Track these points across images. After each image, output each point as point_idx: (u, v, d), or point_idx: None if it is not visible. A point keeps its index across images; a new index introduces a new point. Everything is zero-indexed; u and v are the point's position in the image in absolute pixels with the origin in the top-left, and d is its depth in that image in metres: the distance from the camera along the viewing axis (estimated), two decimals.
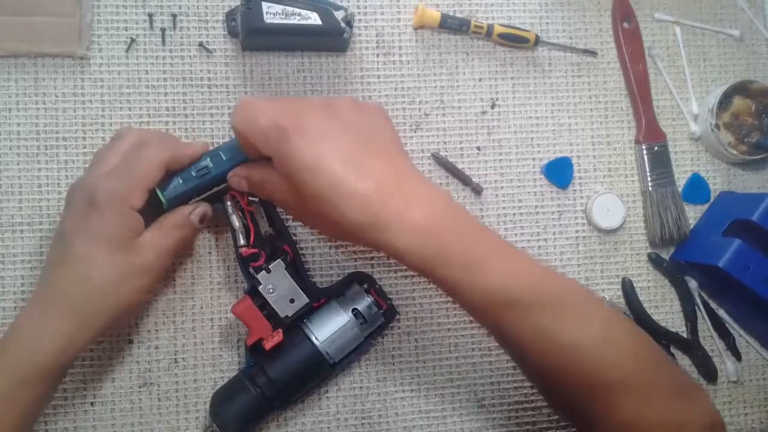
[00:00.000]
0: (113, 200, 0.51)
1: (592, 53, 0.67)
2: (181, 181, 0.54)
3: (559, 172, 0.66)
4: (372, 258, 0.63)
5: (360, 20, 0.64)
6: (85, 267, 0.51)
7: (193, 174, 0.54)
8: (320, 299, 0.58)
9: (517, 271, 0.50)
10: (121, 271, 0.51)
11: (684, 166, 0.69)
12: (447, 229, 0.50)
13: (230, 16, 0.62)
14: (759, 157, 0.67)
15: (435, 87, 0.65)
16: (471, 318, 0.63)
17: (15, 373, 0.49)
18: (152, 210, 0.54)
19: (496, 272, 0.49)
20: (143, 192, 0.52)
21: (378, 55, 0.65)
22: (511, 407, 0.64)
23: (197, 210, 0.55)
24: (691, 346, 0.66)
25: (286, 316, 0.56)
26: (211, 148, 0.57)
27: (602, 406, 0.50)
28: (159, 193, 0.54)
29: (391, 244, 0.49)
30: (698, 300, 0.67)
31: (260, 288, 0.56)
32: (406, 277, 0.64)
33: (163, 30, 0.62)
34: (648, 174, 0.67)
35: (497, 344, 0.63)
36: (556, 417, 0.64)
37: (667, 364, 0.54)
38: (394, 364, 0.63)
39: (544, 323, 0.49)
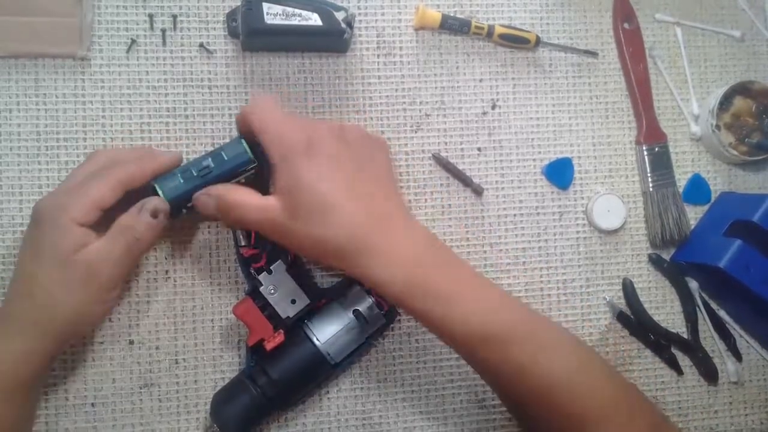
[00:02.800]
0: (54, 215, 0.51)
1: (593, 54, 0.67)
2: (182, 181, 0.54)
3: (559, 173, 0.66)
4: None
5: (360, 21, 0.64)
6: (28, 284, 0.51)
7: (194, 174, 0.54)
8: (321, 300, 0.58)
9: (496, 308, 0.52)
10: (64, 286, 0.51)
11: (685, 167, 0.69)
12: (429, 265, 0.52)
13: (231, 16, 0.62)
14: (760, 157, 0.67)
15: (436, 88, 0.65)
16: None
17: None
18: None
19: (475, 309, 0.51)
20: (91, 208, 0.51)
21: (378, 55, 0.65)
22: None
23: (146, 206, 0.53)
24: (691, 346, 0.66)
25: (288, 317, 0.56)
26: (210, 149, 0.57)
27: None
28: (160, 193, 0.54)
29: (373, 273, 0.50)
30: (699, 301, 0.67)
31: (261, 289, 0.56)
32: None
33: (163, 31, 0.62)
34: (649, 175, 0.67)
35: None
36: None
37: (645, 401, 0.55)
38: (394, 365, 0.63)
39: (521, 359, 0.51)
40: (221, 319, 0.61)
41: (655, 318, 0.66)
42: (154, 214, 0.53)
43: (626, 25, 0.68)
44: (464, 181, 0.65)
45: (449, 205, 0.65)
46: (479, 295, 0.52)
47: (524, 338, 0.51)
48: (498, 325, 0.51)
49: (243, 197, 0.52)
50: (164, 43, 0.62)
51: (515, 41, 0.65)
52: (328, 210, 0.49)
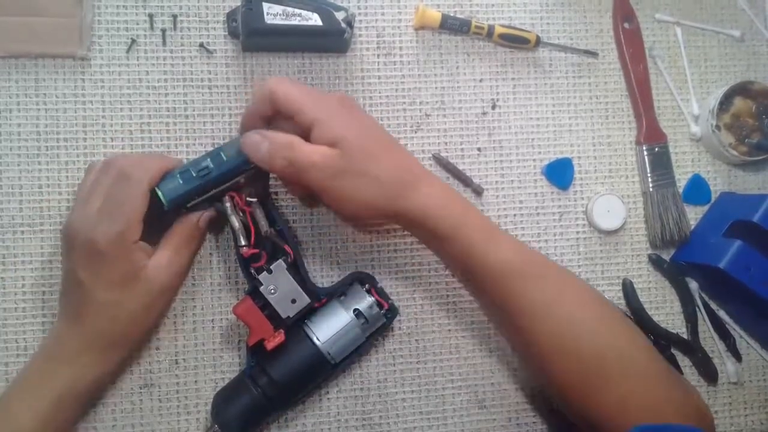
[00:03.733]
0: (115, 244, 0.52)
1: (593, 54, 0.67)
2: (181, 182, 0.54)
3: (559, 173, 0.66)
4: (372, 258, 0.63)
5: (360, 21, 0.64)
6: (111, 310, 0.54)
7: (194, 174, 0.54)
8: (321, 299, 0.58)
9: (529, 249, 0.57)
10: (143, 303, 0.55)
11: (685, 167, 0.69)
12: (464, 202, 0.56)
13: (231, 16, 0.62)
14: (760, 158, 0.67)
15: (436, 88, 0.65)
16: (471, 319, 0.63)
17: (55, 393, 0.53)
18: (152, 209, 0.54)
19: (509, 244, 0.56)
20: (138, 224, 0.53)
21: (378, 55, 0.65)
22: (511, 408, 0.64)
23: (204, 216, 0.57)
24: (691, 347, 0.66)
25: (288, 316, 0.56)
26: (210, 149, 0.57)
27: (597, 379, 0.53)
28: (159, 194, 0.54)
29: (423, 203, 0.54)
30: (699, 301, 0.67)
31: (261, 289, 0.56)
32: (406, 278, 0.64)
33: (163, 31, 0.62)
34: (649, 175, 0.67)
35: (498, 344, 0.64)
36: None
37: (660, 357, 0.57)
38: (394, 365, 0.63)
39: (549, 294, 0.55)
40: (221, 319, 0.61)
41: (655, 318, 0.66)
42: (210, 224, 0.58)
43: (626, 25, 0.68)
44: (464, 181, 0.65)
45: None
46: (508, 235, 0.58)
47: (556, 277, 0.56)
48: (534, 261, 0.56)
49: (299, 140, 0.53)
50: (164, 43, 0.62)
51: (515, 41, 0.65)
52: (382, 150, 0.54)
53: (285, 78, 0.58)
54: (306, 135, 0.53)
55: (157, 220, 0.55)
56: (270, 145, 0.52)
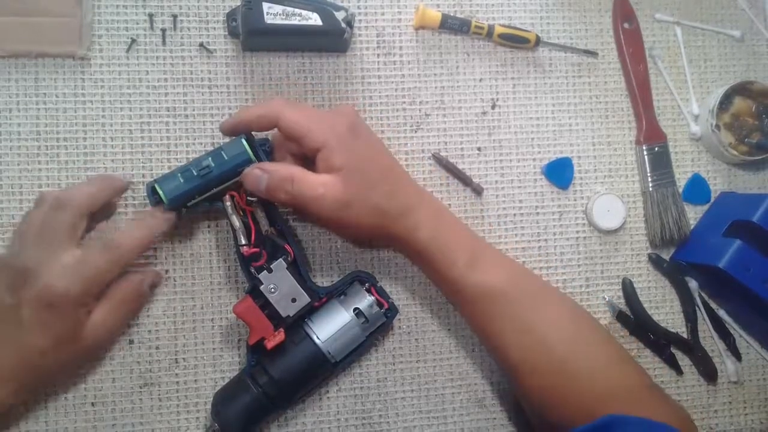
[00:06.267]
0: (70, 299, 0.51)
1: (593, 54, 0.67)
2: (182, 181, 0.54)
3: (559, 173, 0.66)
4: (372, 258, 0.63)
5: (360, 21, 0.65)
6: (35, 356, 0.51)
7: (195, 173, 0.54)
8: (321, 298, 0.58)
9: (507, 268, 0.58)
10: (69, 357, 0.53)
11: (684, 167, 0.69)
12: (450, 221, 0.59)
13: (231, 16, 0.62)
14: (759, 157, 0.67)
15: (435, 87, 0.65)
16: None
17: None
18: (153, 205, 0.55)
19: (491, 267, 0.57)
20: (89, 284, 0.52)
21: (378, 55, 0.65)
22: (511, 408, 0.64)
23: (148, 279, 0.57)
24: (691, 346, 0.66)
25: (288, 315, 0.56)
26: (210, 149, 0.57)
27: (572, 398, 0.55)
28: (161, 192, 0.54)
29: (415, 227, 0.56)
30: (698, 300, 0.67)
31: (262, 288, 0.56)
32: (406, 277, 0.64)
33: (163, 30, 0.62)
34: (648, 174, 0.67)
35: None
36: None
37: (640, 372, 0.57)
38: (394, 364, 0.63)
39: (524, 318, 0.56)
40: (221, 318, 0.61)
41: (655, 318, 0.66)
42: (154, 287, 0.59)
43: (626, 25, 0.68)
44: (464, 180, 0.65)
45: (449, 204, 0.65)
46: (492, 253, 0.59)
47: (532, 299, 0.57)
48: (509, 283, 0.57)
49: (301, 172, 0.53)
50: (164, 43, 0.62)
51: (515, 41, 0.65)
52: (382, 178, 0.55)
53: (290, 102, 0.56)
54: (311, 157, 0.54)
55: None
56: (270, 180, 0.53)
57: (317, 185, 0.53)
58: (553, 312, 0.57)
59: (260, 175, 0.53)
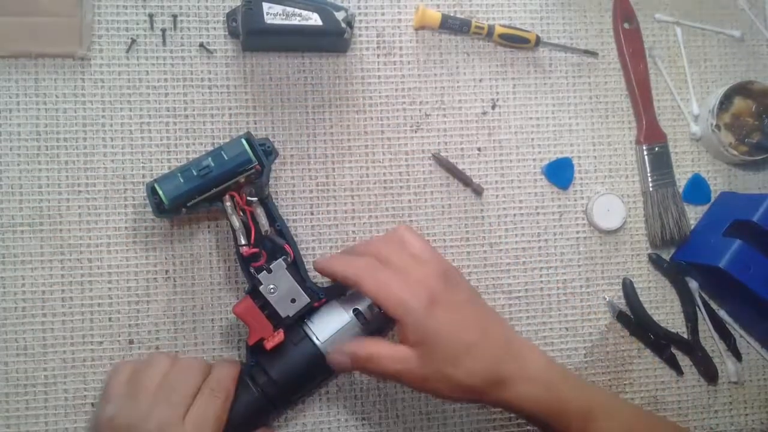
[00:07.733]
0: None
1: (593, 54, 0.67)
2: (182, 181, 0.54)
3: (559, 173, 0.66)
4: None
5: (360, 21, 0.65)
6: None
7: (195, 173, 0.54)
8: (321, 299, 0.58)
9: (624, 421, 0.54)
10: None
11: (684, 167, 0.69)
12: (559, 380, 0.54)
13: (231, 16, 0.62)
14: (760, 157, 0.67)
15: (435, 87, 0.65)
16: None
17: None
18: (153, 205, 0.55)
19: (608, 424, 0.53)
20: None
21: (378, 55, 0.65)
22: None
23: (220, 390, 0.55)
24: (691, 346, 0.66)
25: (288, 315, 0.56)
26: (210, 149, 0.57)
27: None
28: (160, 192, 0.54)
29: (514, 397, 0.52)
30: (699, 301, 0.67)
31: (261, 288, 0.56)
32: None
33: (163, 30, 0.62)
34: (648, 174, 0.67)
35: None
36: None
37: None
38: None
39: None
40: (221, 318, 0.61)
41: (655, 318, 0.66)
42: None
43: (626, 25, 0.68)
44: (464, 181, 0.65)
45: (449, 205, 0.65)
46: (608, 407, 0.54)
47: None
48: None
49: (378, 350, 0.53)
50: (164, 43, 0.62)
51: (515, 41, 0.65)
52: (464, 353, 0.52)
53: (374, 267, 0.54)
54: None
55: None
56: (354, 363, 0.54)
57: (395, 362, 0.52)
58: None
59: (343, 360, 0.54)
